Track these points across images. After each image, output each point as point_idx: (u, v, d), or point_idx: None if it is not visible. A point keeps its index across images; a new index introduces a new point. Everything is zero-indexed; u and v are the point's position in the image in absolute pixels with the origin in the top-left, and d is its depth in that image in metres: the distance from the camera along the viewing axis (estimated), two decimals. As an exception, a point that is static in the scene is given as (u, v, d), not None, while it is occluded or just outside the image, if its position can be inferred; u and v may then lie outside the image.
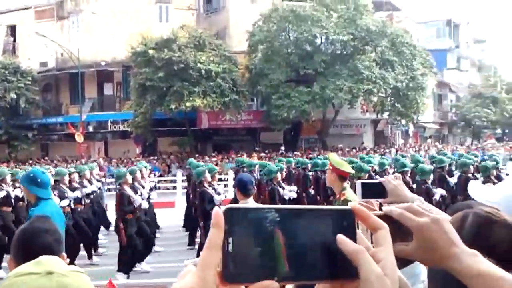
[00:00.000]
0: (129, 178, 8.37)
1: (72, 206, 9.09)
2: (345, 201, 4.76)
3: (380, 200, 2.01)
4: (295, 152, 22.71)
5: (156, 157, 25.66)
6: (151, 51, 23.62)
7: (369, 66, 24.20)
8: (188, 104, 23.04)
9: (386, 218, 0.89)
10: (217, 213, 0.58)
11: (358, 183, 2.03)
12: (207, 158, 22.79)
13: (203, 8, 30.41)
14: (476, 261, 0.89)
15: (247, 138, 27.74)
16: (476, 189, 1.69)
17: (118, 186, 8.48)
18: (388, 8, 34.07)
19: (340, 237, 0.61)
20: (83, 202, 9.63)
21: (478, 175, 9.66)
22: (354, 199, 4.75)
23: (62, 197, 8.55)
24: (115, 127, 28.55)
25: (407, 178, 9.32)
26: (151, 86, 23.49)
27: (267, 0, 28.23)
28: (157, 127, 25.70)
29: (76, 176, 9.73)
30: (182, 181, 18.82)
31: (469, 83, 44.01)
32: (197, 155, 23.23)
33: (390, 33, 25.59)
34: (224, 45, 25.86)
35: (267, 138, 27.88)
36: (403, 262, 1.00)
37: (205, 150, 27.11)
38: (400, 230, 0.91)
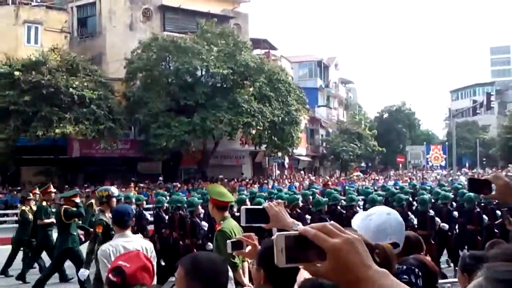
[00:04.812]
0: None
1: None
2: (220, 232, 4.63)
3: (263, 225, 2.12)
4: (174, 183, 22.19)
5: (19, 188, 23.20)
6: (16, 73, 21.62)
7: (248, 100, 24.88)
8: (57, 131, 21.29)
9: (302, 238, 0.92)
10: None
11: (243, 209, 2.10)
12: (77, 189, 21.18)
13: (77, 32, 28.99)
14: (386, 282, 0.90)
15: (123, 168, 26.46)
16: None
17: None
18: (265, 47, 35.79)
19: None
20: None
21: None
22: (229, 229, 4.63)
23: None
24: (-30, 155, 25.31)
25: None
26: (15, 110, 21.35)
27: (146, 28, 27.92)
28: (20, 155, 23.35)
29: None
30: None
31: (337, 119, 47.74)
32: (66, 186, 21.50)
33: (267, 70, 26.67)
34: (100, 71, 24.72)
35: (145, 169, 26.90)
36: None
37: (76, 180, 25.25)
38: (315, 250, 0.92)
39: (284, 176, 32.21)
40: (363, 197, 13.38)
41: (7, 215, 20.78)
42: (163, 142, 22.97)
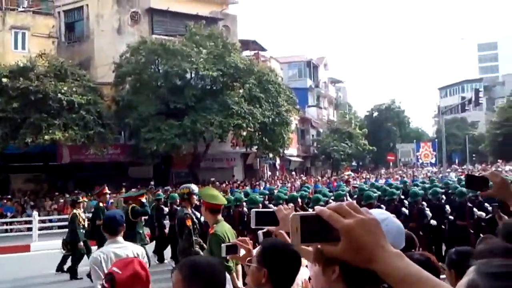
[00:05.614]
0: None
1: None
2: (213, 235, 4.60)
3: (272, 227, 2.19)
4: (166, 187, 22.07)
5: (9, 196, 22.95)
6: (4, 80, 21.40)
7: (238, 101, 24.83)
8: (46, 137, 21.08)
9: (318, 218, 0.92)
10: None
11: (253, 211, 2.15)
12: (68, 195, 21.06)
13: (65, 37, 28.77)
14: (401, 263, 0.91)
15: (114, 173, 26.26)
16: None
17: None
18: (255, 48, 35.80)
19: None
20: None
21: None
22: (223, 233, 4.61)
23: None
24: (-43, 164, 24.99)
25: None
26: (3, 117, 21.13)
27: (134, 32, 27.80)
28: (9, 162, 23.11)
29: None
30: (39, 222, 17.13)
31: (327, 119, 47.87)
32: (57, 193, 21.34)
33: (256, 71, 26.65)
34: (88, 76, 24.56)
35: (136, 173, 26.74)
36: None
37: (66, 187, 25.03)
38: (331, 231, 0.92)
39: (276, 177, 32.20)
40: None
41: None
42: (153, 146, 22.86)
